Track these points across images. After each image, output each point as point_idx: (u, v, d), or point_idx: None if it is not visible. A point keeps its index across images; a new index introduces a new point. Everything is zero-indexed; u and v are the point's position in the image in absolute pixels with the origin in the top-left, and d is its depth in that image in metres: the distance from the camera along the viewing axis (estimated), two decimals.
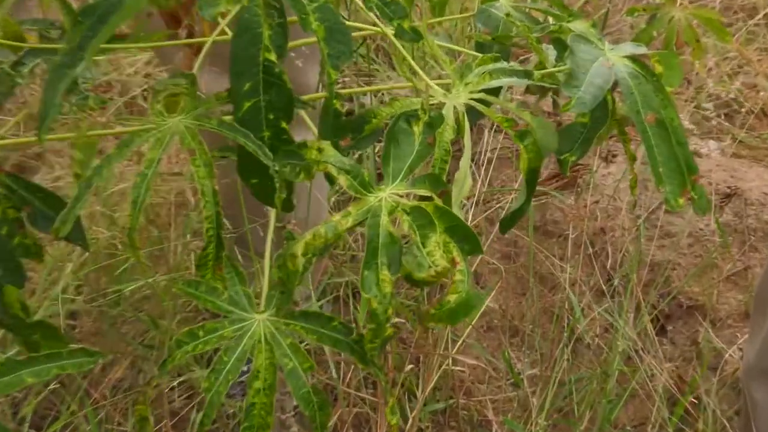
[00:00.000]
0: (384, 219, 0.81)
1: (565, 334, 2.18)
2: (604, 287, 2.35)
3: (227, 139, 0.85)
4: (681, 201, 0.86)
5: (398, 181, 0.85)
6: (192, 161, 0.84)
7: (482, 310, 2.24)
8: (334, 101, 0.85)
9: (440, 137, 0.88)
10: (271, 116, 0.83)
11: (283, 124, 0.84)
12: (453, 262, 0.79)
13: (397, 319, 2.17)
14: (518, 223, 1.04)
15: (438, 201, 0.82)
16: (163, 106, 0.88)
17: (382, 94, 2.40)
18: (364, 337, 0.81)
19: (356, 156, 2.41)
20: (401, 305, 2.12)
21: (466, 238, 0.80)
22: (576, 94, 0.91)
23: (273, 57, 0.82)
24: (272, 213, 1.02)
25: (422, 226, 0.80)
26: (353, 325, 0.87)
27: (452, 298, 0.79)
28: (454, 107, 0.92)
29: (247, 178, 0.85)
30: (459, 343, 2.11)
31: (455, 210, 0.85)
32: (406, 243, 0.81)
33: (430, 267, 0.77)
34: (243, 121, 0.83)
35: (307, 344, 1.91)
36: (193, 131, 0.86)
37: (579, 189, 2.63)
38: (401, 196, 0.84)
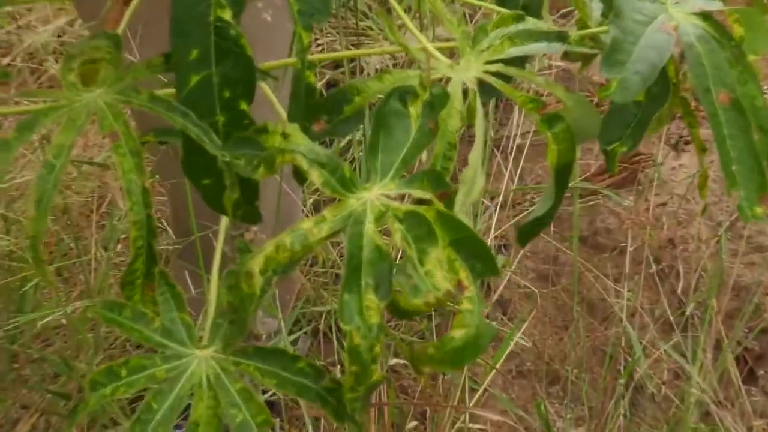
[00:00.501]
0: (369, 227, 0.83)
1: (622, 382, 2.20)
2: (672, 318, 2.37)
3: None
4: (759, 210, 0.88)
5: (388, 178, 0.87)
6: (115, 149, 0.86)
7: (510, 348, 2.26)
8: (307, 72, 0.87)
9: (444, 123, 0.90)
10: (227, 94, 0.85)
11: (243, 105, 0.86)
12: (460, 286, 0.81)
13: (396, 361, 2.19)
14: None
15: (440, 205, 0.84)
16: (78, 76, 0.90)
17: (364, 72, 2.42)
18: (343, 384, 0.82)
19: (338, 145, 2.44)
20: (401, 342, 2.14)
21: (477, 255, 0.82)
22: (619, 75, 0.92)
23: (227, 15, 0.84)
24: (221, 228, 1.04)
25: (420, 238, 0.82)
26: (337, 367, 0.89)
27: (457, 333, 0.81)
28: (463, 83, 0.94)
29: (196, 176, 0.87)
30: (479, 393, 2.13)
31: (461, 218, 0.87)
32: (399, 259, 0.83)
33: (428, 291, 0.79)
34: (189, 102, 0.85)
35: (273, 394, 1.93)
36: (117, 109, 0.88)
37: (640, 187, 2.65)
38: (392, 198, 0.86)
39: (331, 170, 0.86)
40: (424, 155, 0.92)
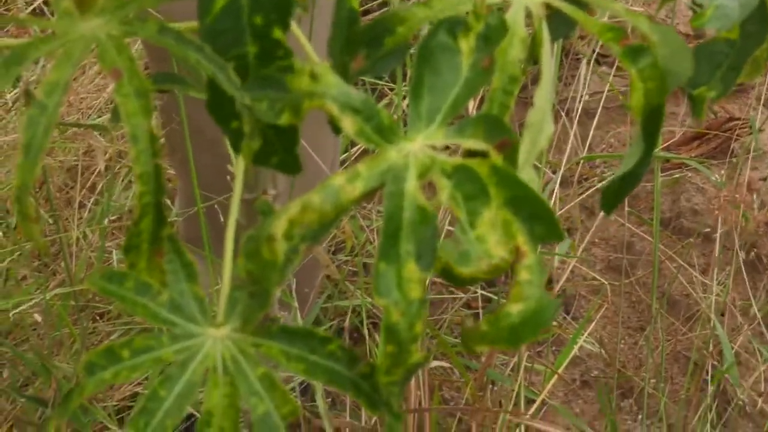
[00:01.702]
0: (412, 184, 0.86)
1: (709, 393, 2.22)
2: None
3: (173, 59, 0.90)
4: None
5: (435, 125, 0.89)
6: (117, 89, 0.89)
7: (574, 352, 2.29)
8: None
9: (503, 56, 0.93)
10: (258, 20, 0.88)
11: (277, 33, 0.88)
12: (517, 253, 0.83)
13: (436, 363, 2.22)
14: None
15: (497, 158, 0.87)
16: (74, 2, 0.93)
17: None
18: (378, 368, 0.85)
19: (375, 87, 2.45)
20: (444, 343, 2.17)
21: (537, 216, 0.84)
22: (716, 0, 0.95)
23: None
24: (237, 179, 1.07)
25: (471, 197, 0.84)
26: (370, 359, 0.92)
27: (515, 308, 0.83)
28: (526, 9, 0.96)
29: (222, 118, 0.90)
30: (537, 404, 2.15)
31: (525, 173, 0.90)
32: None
33: (480, 258, 0.81)
34: (214, 32, 0.88)
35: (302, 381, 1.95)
36: (120, 42, 0.91)
37: (734, 159, 2.66)
38: (439, 150, 0.88)
39: (367, 117, 0.88)
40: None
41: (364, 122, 0.88)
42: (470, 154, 0.89)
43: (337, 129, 0.95)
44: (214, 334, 0.92)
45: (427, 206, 0.85)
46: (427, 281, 0.85)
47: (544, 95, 0.93)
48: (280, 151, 0.93)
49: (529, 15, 0.96)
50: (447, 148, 0.89)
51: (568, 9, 0.97)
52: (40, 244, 0.90)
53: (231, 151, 1.26)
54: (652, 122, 0.99)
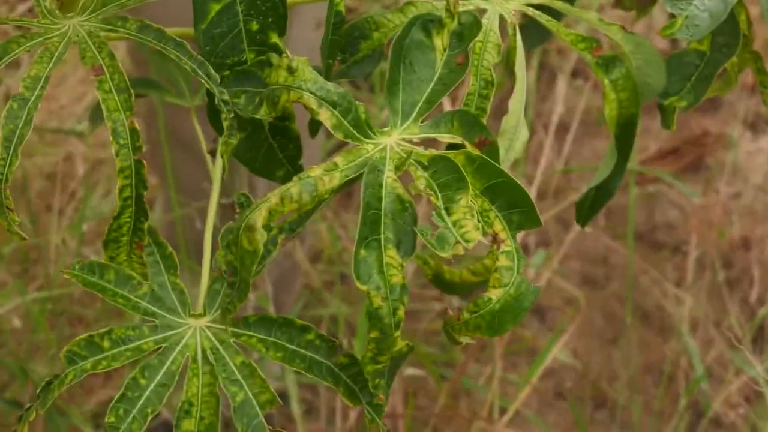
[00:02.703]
0: (389, 175, 0.88)
1: (681, 405, 2.23)
2: (743, 331, 2.40)
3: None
4: None
5: (410, 120, 0.91)
6: (99, 85, 0.91)
7: (549, 364, 2.30)
8: None
9: (478, 57, 0.95)
10: (254, 26, 0.90)
11: (274, 38, 0.91)
12: (495, 240, 0.85)
13: (411, 371, 2.23)
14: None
15: (472, 149, 0.89)
16: (54, 1, 0.95)
17: None
18: (363, 356, 0.87)
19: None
20: (419, 352, 2.18)
21: (514, 203, 0.86)
22: (686, 11, 0.96)
23: None
24: (215, 182, 1.09)
25: (446, 185, 0.86)
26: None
27: (495, 294, 0.85)
28: (501, 16, 0.98)
29: (221, 127, 0.90)
30: (510, 414, 2.16)
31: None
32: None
33: (457, 243, 0.83)
34: (210, 38, 0.89)
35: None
36: (101, 40, 0.93)
37: (709, 174, 2.67)
38: (415, 144, 0.90)
39: (344, 111, 0.90)
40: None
41: (342, 116, 0.90)
42: (450, 148, 0.91)
43: (313, 129, 0.97)
44: (194, 325, 0.94)
45: (405, 195, 0.87)
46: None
47: (518, 101, 0.95)
48: (284, 163, 0.95)
49: (503, 22, 0.98)
50: (425, 141, 0.91)
51: (542, 18, 0.99)
52: (17, 236, 0.91)
53: (208, 157, 1.28)
54: (625, 133, 1.00)
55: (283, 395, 2.12)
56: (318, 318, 2.30)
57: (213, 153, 1.28)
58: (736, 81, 1.17)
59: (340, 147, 2.40)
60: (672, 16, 0.97)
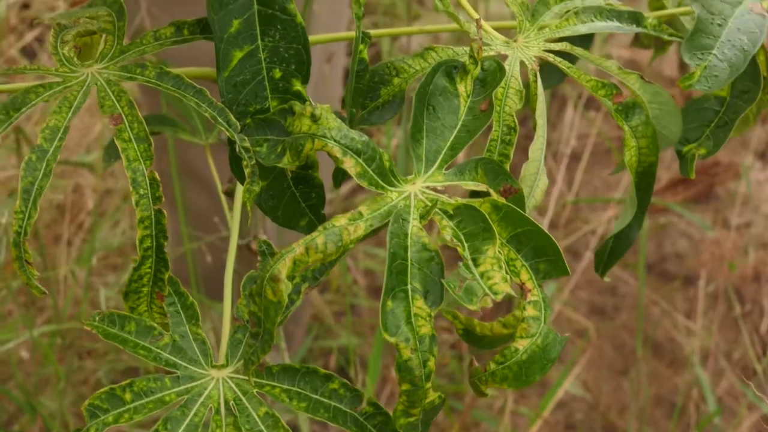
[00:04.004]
0: (414, 224, 0.87)
1: None
2: (756, 364, 2.39)
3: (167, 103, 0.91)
4: None
5: (434, 168, 0.91)
6: (118, 134, 0.90)
7: (559, 396, 2.29)
8: (361, 46, 0.90)
9: (500, 103, 0.94)
10: (278, 74, 0.89)
11: (297, 85, 0.90)
12: (522, 290, 0.85)
13: None
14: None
15: (498, 197, 0.88)
16: (73, 49, 0.94)
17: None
18: (395, 410, 0.86)
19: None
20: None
21: (541, 252, 0.86)
22: (705, 61, 0.96)
23: None
24: (233, 222, 1.08)
25: (473, 235, 0.86)
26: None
27: (522, 344, 0.84)
28: (521, 62, 0.98)
29: (243, 177, 0.89)
30: None
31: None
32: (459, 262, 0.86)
33: (485, 295, 0.82)
34: (232, 85, 0.89)
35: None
36: (120, 88, 0.92)
37: (719, 203, 2.67)
38: (440, 191, 0.89)
39: (369, 159, 0.89)
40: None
41: (366, 164, 0.89)
42: (472, 194, 0.90)
43: (338, 178, 0.96)
44: (217, 376, 0.93)
45: (431, 244, 0.86)
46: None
47: (538, 148, 0.94)
48: (307, 212, 0.94)
49: (523, 68, 0.98)
50: (449, 188, 0.90)
51: (563, 65, 0.99)
52: (37, 290, 0.90)
53: (222, 195, 1.27)
54: (645, 182, 1.00)
55: (294, 427, 2.11)
56: (327, 349, 2.29)
57: (228, 194, 1.27)
58: (754, 122, 1.17)
59: None
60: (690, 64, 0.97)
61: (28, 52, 2.80)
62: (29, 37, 2.80)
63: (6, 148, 2.32)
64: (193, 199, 1.87)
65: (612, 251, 1.05)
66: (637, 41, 1.25)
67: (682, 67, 2.60)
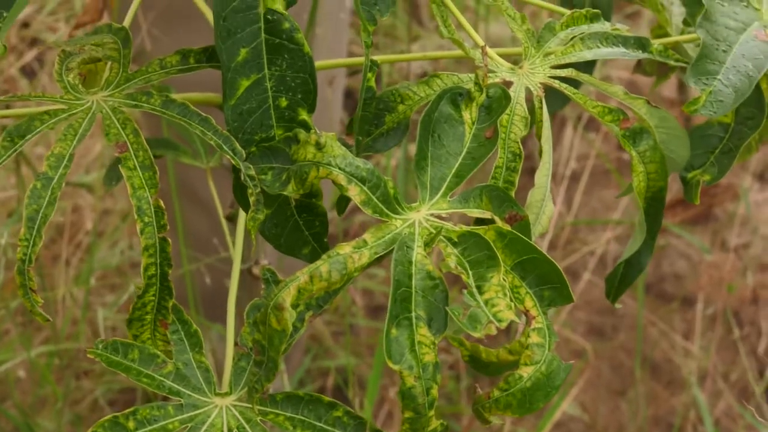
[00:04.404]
0: (419, 252, 0.87)
1: None
2: (754, 385, 2.38)
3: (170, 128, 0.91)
4: None
5: (439, 195, 0.91)
6: (123, 162, 0.90)
7: (557, 417, 2.29)
8: (369, 74, 0.91)
9: (505, 130, 0.94)
10: (284, 102, 0.90)
11: (303, 114, 0.90)
12: (526, 316, 0.85)
13: None
14: None
15: (502, 224, 0.88)
16: (78, 76, 0.94)
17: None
18: None
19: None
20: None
21: (546, 279, 0.86)
22: (710, 86, 0.96)
23: (279, 5, 0.88)
24: (236, 248, 1.08)
25: (477, 262, 0.86)
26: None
27: (526, 371, 0.84)
28: (527, 89, 0.98)
29: (248, 205, 0.89)
30: None
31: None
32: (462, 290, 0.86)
33: (489, 322, 0.82)
34: (238, 114, 0.89)
35: None
36: (125, 116, 0.92)
37: (718, 224, 2.67)
38: (444, 218, 0.89)
39: (373, 187, 0.90)
40: None
41: (371, 191, 0.89)
42: (477, 222, 0.90)
43: (342, 206, 0.96)
44: (221, 404, 0.93)
45: (436, 272, 0.86)
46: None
47: (544, 175, 0.95)
48: (310, 240, 0.94)
49: (528, 94, 0.98)
50: (453, 216, 0.90)
51: (569, 90, 0.99)
52: (41, 317, 0.90)
53: (222, 217, 1.27)
54: (654, 207, 1.00)
55: None
56: (325, 369, 2.28)
57: (230, 219, 1.28)
58: (756, 149, 1.17)
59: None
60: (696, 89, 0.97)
61: (28, 72, 2.80)
62: (29, 56, 2.80)
63: (5, 169, 2.32)
64: (192, 220, 1.87)
65: (623, 277, 1.05)
66: (639, 68, 1.25)
67: (682, 89, 2.60)
